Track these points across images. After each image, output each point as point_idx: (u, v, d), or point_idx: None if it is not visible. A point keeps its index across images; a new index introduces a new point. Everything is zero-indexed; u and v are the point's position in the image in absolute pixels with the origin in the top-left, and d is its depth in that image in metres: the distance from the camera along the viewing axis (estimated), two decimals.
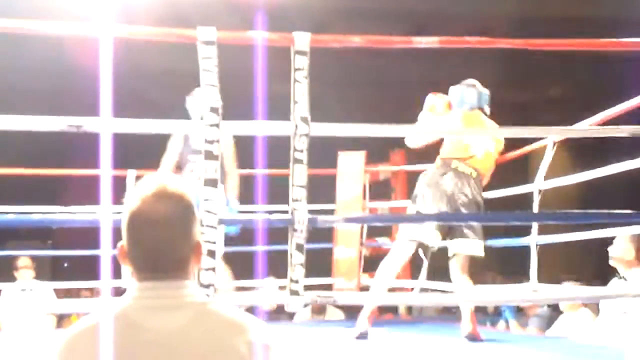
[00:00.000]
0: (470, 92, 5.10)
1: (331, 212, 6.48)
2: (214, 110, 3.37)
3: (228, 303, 1.65)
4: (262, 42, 3.38)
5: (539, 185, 5.10)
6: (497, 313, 6.78)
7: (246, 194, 5.25)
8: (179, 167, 5.31)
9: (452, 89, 5.17)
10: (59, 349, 1.56)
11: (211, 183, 3.37)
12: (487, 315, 7.25)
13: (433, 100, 5.17)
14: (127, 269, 1.63)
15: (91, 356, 1.52)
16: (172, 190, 1.61)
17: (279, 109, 3.60)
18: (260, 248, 5.86)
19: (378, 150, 6.88)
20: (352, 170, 6.86)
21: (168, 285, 1.60)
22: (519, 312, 6.61)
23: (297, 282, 3.40)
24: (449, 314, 7.10)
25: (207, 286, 3.24)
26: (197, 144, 4.79)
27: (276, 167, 5.87)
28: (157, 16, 6.63)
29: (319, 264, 5.93)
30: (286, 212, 3.46)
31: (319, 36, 3.39)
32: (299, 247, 3.41)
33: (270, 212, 5.36)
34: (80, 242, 8.00)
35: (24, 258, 7.02)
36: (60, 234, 11.09)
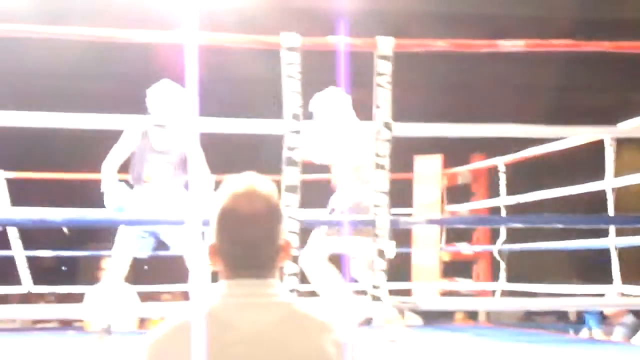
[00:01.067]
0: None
1: (409, 216, 6.44)
2: (295, 117, 3.38)
3: (313, 303, 1.65)
4: (345, 48, 3.38)
5: (611, 183, 4.91)
6: (581, 321, 6.65)
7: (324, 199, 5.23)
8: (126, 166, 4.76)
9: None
10: (149, 346, 1.58)
11: (291, 189, 3.38)
12: (570, 323, 7.12)
13: None
14: (214, 267, 1.65)
15: (181, 354, 1.53)
16: (262, 189, 1.63)
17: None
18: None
19: (456, 154, 6.82)
20: (429, 174, 6.82)
21: (258, 284, 1.60)
22: (603, 320, 6.46)
23: (379, 288, 3.39)
24: (530, 320, 6.99)
25: (291, 291, 3.25)
26: (159, 143, 4.59)
27: None
28: (229, 23, 6.68)
29: (397, 268, 5.90)
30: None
31: (402, 40, 3.37)
32: (381, 253, 3.40)
33: None
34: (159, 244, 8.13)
35: (108, 259, 7.10)
36: None
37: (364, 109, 3.77)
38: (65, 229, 6.79)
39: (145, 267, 12.10)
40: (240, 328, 1.55)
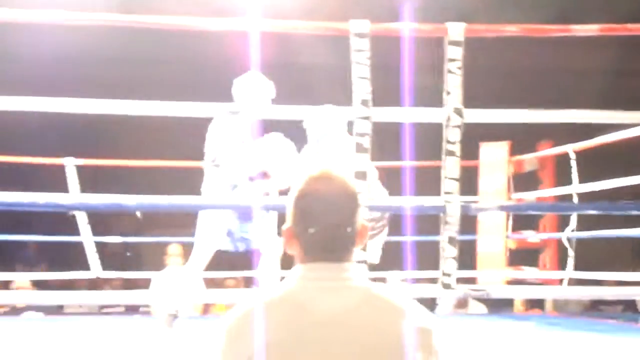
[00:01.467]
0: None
1: (472, 203, 6.39)
2: (364, 103, 3.37)
3: (390, 288, 1.65)
4: (415, 34, 3.36)
5: None
6: None
7: (394, 186, 5.21)
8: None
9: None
10: (227, 328, 1.60)
11: (361, 176, 3.38)
12: (638, 312, 7.01)
13: None
14: (290, 251, 1.65)
15: (261, 335, 1.54)
16: (338, 174, 1.64)
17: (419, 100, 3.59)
18: (408, 238, 5.80)
19: (523, 141, 6.73)
20: (495, 161, 6.75)
21: (335, 267, 1.61)
22: None
23: (449, 275, 3.38)
24: (598, 310, 6.89)
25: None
26: (244, 133, 4.52)
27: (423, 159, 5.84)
28: (287, 10, 6.67)
29: (462, 256, 5.86)
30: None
31: (473, 26, 3.34)
32: (452, 241, 3.38)
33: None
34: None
35: (174, 245, 7.17)
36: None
37: (427, 95, 3.73)
38: (138, 214, 6.84)
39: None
40: (318, 312, 1.56)
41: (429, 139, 4.09)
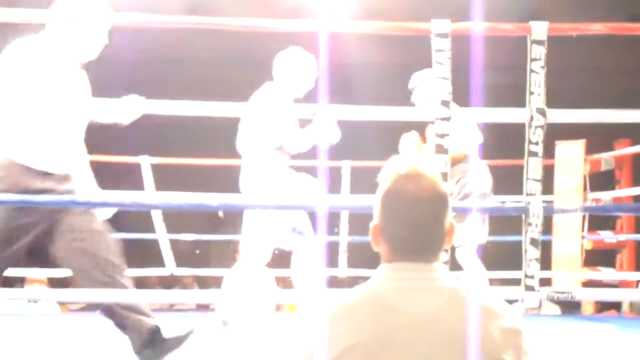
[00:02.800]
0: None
1: (549, 203, 6.31)
2: (444, 103, 3.34)
3: (478, 288, 1.62)
4: (496, 33, 3.32)
5: None
6: None
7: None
8: None
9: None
10: (312, 327, 1.58)
11: (442, 177, 3.34)
12: None
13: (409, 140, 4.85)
14: (376, 249, 1.63)
15: (350, 333, 1.53)
16: (428, 172, 1.62)
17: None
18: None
19: (599, 139, 6.61)
20: (571, 160, 6.64)
21: (422, 267, 1.60)
22: None
23: (532, 277, 3.34)
24: None
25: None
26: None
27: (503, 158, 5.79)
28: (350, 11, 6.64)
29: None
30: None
31: (557, 25, 3.28)
32: (534, 242, 3.34)
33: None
34: None
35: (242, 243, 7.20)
36: None
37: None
38: (220, 213, 6.93)
39: (276, 251, 12.34)
40: (406, 312, 1.54)
41: (508, 138, 4.05)
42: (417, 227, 1.60)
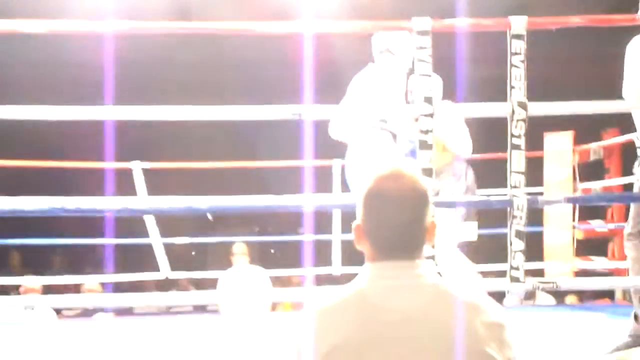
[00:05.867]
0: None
1: (539, 195, 6.33)
2: (427, 100, 3.38)
3: (460, 284, 1.65)
4: (476, 28, 3.36)
5: None
6: None
7: None
8: None
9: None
10: (300, 327, 1.61)
11: (426, 173, 3.38)
12: None
13: None
14: (360, 248, 1.66)
15: (336, 333, 1.56)
16: (408, 172, 1.65)
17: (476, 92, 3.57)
18: None
19: (588, 129, 6.64)
20: (560, 151, 6.67)
21: (406, 265, 1.62)
22: None
23: (517, 269, 3.37)
24: None
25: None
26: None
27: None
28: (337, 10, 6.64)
29: (529, 248, 5.81)
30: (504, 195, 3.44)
31: (536, 19, 3.32)
32: (519, 234, 3.37)
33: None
34: (285, 228, 8.26)
35: (239, 244, 7.25)
36: (266, 220, 11.38)
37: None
38: (209, 215, 6.95)
39: (272, 250, 12.36)
40: (391, 310, 1.57)
41: (493, 131, 4.07)
42: (399, 225, 1.63)
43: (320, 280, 8.10)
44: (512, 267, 3.35)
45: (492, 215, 5.11)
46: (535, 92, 3.40)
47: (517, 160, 3.36)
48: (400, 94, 4.36)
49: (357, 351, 1.54)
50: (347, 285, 1.65)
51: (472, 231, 4.63)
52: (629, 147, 6.20)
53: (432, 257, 3.32)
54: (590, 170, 6.90)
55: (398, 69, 4.43)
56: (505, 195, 3.41)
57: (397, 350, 1.54)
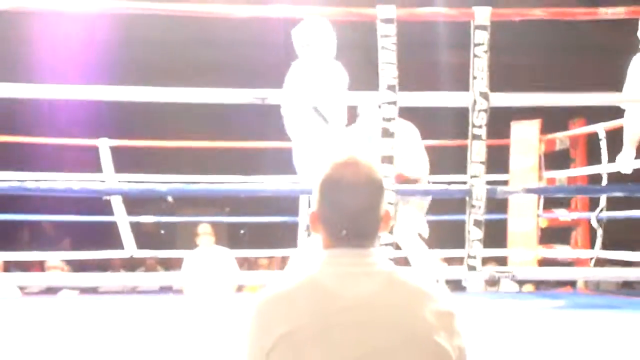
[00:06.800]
0: None
1: (505, 182, 6.39)
2: (391, 87, 3.39)
3: (413, 271, 1.67)
4: (442, 18, 3.37)
5: None
6: None
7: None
8: None
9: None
10: (252, 312, 1.62)
11: (388, 160, 3.40)
12: None
13: None
14: (315, 235, 1.67)
15: (287, 319, 1.57)
16: (364, 160, 1.66)
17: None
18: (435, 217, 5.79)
19: (555, 118, 6.69)
20: (526, 140, 6.72)
21: (359, 253, 1.63)
22: None
23: (474, 257, 3.41)
24: (630, 288, 6.85)
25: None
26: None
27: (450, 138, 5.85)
28: None
29: (494, 235, 5.87)
30: (464, 182, 3.47)
31: (499, 10, 3.34)
32: (477, 223, 3.41)
33: (449, 184, 5.30)
34: (255, 209, 8.25)
35: (204, 225, 7.22)
36: (236, 201, 11.34)
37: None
38: (170, 198, 6.92)
39: (242, 231, 12.36)
40: (343, 297, 1.58)
41: (456, 118, 4.10)
42: (354, 213, 1.63)
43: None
44: (469, 256, 3.39)
45: (454, 201, 5.14)
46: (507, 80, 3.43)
47: (477, 150, 3.40)
48: (326, 83, 4.33)
49: (308, 337, 1.55)
50: (298, 271, 1.65)
51: (425, 227, 4.67)
52: (595, 137, 6.27)
53: (390, 245, 3.34)
54: (556, 159, 6.96)
55: (320, 60, 4.40)
56: (465, 183, 3.44)
57: (347, 336, 1.55)
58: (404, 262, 4.61)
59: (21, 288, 6.88)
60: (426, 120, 5.02)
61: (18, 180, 3.25)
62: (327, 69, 4.26)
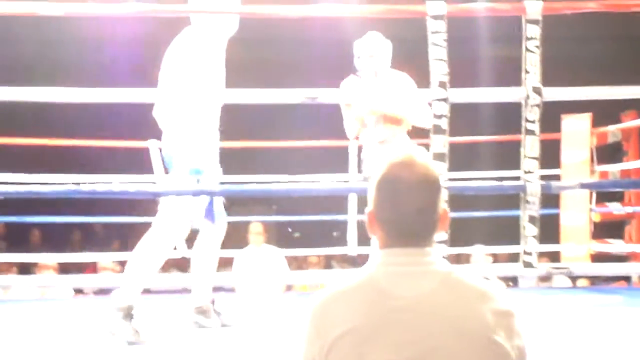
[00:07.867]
0: None
1: (556, 177, 6.31)
2: (442, 84, 3.37)
3: (470, 271, 1.66)
4: (492, 13, 3.34)
5: None
6: None
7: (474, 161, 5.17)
8: None
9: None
10: (309, 313, 1.63)
11: (440, 157, 3.38)
12: None
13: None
14: (372, 235, 1.67)
15: (344, 319, 1.57)
16: (421, 159, 1.65)
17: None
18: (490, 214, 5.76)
19: (606, 111, 6.59)
20: (577, 133, 6.63)
21: (416, 252, 1.63)
22: None
23: (530, 254, 3.37)
24: None
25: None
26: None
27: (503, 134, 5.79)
28: None
29: (546, 230, 5.80)
30: (517, 178, 3.44)
31: (551, 4, 3.30)
32: (532, 219, 3.38)
33: (501, 179, 5.25)
34: (303, 208, 8.25)
35: (256, 224, 7.22)
36: (284, 199, 11.32)
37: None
38: None
39: (289, 229, 12.35)
40: (400, 296, 1.58)
41: (510, 113, 4.06)
42: (411, 212, 1.63)
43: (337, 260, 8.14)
44: (525, 252, 3.36)
45: (507, 197, 5.09)
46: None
47: (531, 146, 3.36)
48: (409, 90, 4.31)
49: (364, 337, 1.55)
50: (357, 271, 1.65)
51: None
52: None
53: (444, 242, 3.32)
54: (608, 152, 6.86)
55: (387, 70, 4.38)
56: (519, 179, 3.41)
57: (404, 336, 1.55)
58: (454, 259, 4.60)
59: (76, 290, 6.98)
60: (465, 116, 4.98)
61: (73, 183, 3.26)
62: (403, 77, 4.29)
